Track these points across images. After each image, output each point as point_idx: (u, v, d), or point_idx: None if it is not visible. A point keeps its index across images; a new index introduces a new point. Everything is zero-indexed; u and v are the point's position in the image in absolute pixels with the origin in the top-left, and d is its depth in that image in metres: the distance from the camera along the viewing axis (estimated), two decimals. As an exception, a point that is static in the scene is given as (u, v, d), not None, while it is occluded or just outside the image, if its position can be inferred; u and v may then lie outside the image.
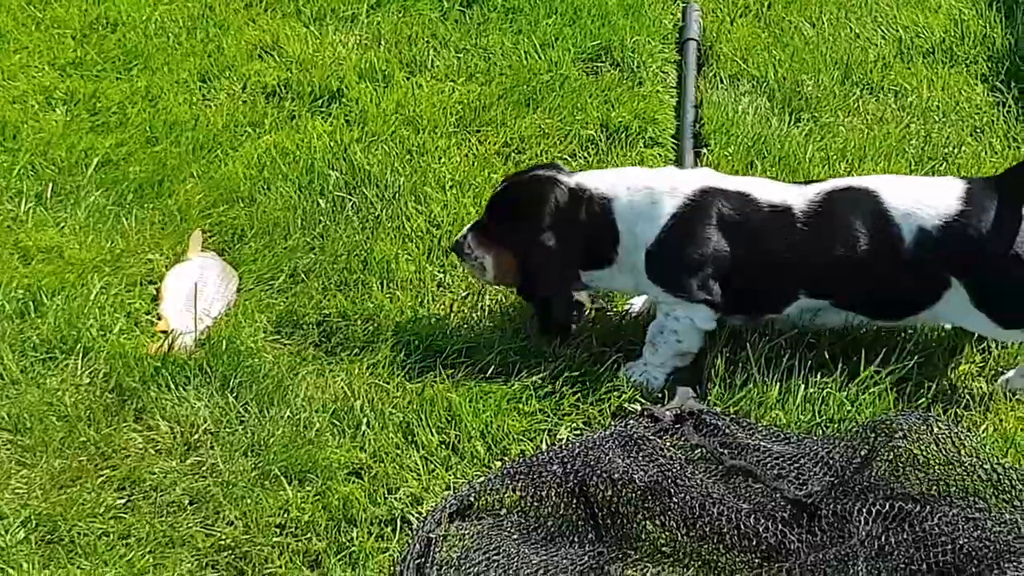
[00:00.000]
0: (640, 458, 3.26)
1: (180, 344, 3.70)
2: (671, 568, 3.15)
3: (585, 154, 4.50)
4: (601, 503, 3.20)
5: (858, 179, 3.70)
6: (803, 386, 3.55)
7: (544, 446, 3.44)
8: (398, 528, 3.24)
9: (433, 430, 3.47)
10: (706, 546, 3.14)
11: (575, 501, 3.21)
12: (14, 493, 3.27)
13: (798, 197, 3.60)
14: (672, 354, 3.65)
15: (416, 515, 3.26)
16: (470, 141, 4.56)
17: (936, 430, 3.22)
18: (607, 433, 3.34)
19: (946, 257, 3.51)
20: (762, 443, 3.33)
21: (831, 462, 3.26)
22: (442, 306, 3.91)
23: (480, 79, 4.83)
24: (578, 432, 3.51)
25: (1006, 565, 2.98)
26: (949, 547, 3.00)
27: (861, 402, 3.54)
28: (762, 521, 3.10)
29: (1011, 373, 3.66)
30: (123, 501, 3.28)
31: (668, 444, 3.31)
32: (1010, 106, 4.74)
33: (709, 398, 3.56)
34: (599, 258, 3.68)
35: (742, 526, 3.10)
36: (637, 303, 3.90)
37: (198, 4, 5.16)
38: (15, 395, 3.52)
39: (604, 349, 3.74)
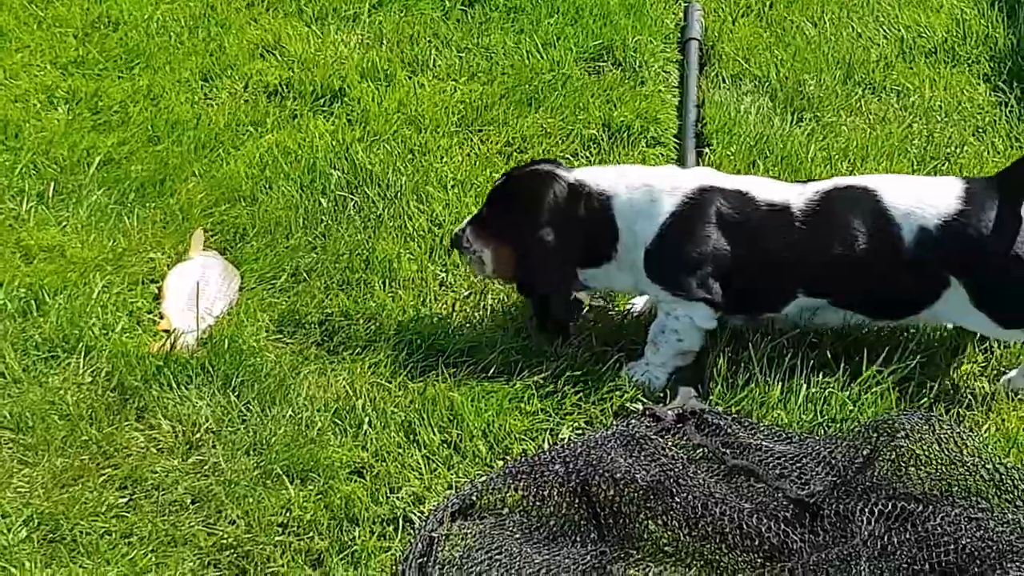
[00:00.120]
0: (642, 458, 3.25)
1: (182, 343, 3.70)
2: (673, 568, 3.15)
3: (587, 154, 4.50)
4: (603, 502, 3.19)
5: (858, 178, 3.70)
6: (805, 386, 3.55)
7: (546, 445, 3.44)
8: (400, 527, 3.24)
9: (435, 429, 3.47)
10: (708, 546, 3.14)
11: (577, 500, 3.20)
12: (16, 492, 3.27)
13: (798, 196, 3.60)
14: (673, 353, 3.65)
15: (418, 514, 3.26)
16: (472, 140, 4.56)
17: (938, 430, 3.22)
18: (609, 432, 3.34)
19: (946, 257, 3.51)
20: (764, 443, 3.33)
21: (833, 462, 3.26)
22: (444, 305, 3.91)
23: (482, 78, 4.83)
24: (580, 431, 3.51)
25: (1009, 565, 2.98)
26: (952, 547, 3.00)
27: (863, 402, 3.54)
28: (764, 521, 3.10)
29: (1013, 373, 3.66)
30: (125, 500, 3.28)
31: (670, 444, 3.31)
32: (1012, 106, 4.74)
33: (711, 397, 3.56)
34: (598, 255, 3.68)
35: (744, 526, 3.10)
36: (639, 303, 3.90)
37: (200, 3, 5.16)
38: (17, 394, 3.52)
39: (606, 348, 3.74)
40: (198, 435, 3.44)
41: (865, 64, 4.94)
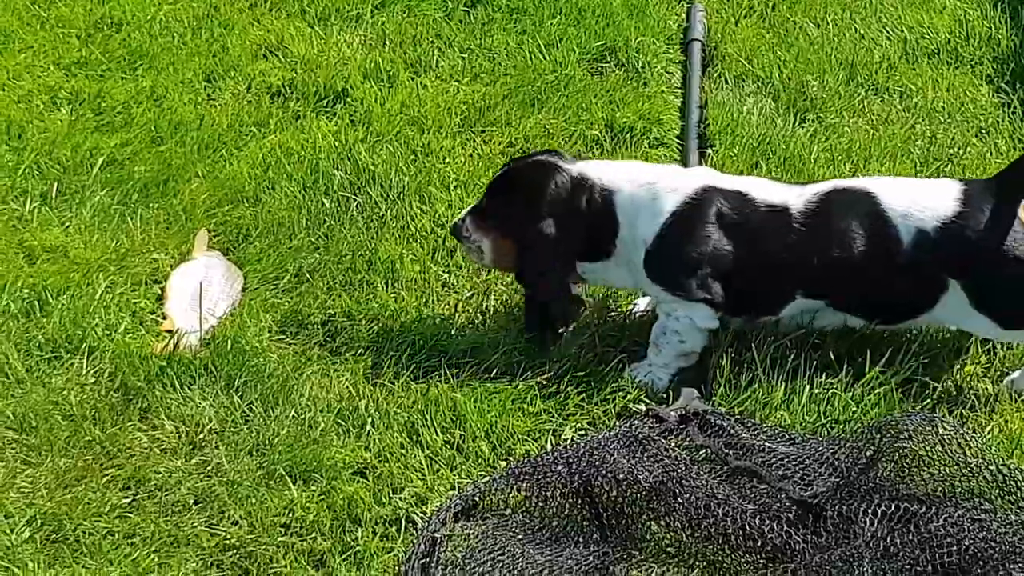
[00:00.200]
0: (645, 458, 3.25)
1: (185, 343, 3.70)
2: (676, 568, 3.15)
3: (590, 154, 4.49)
4: (606, 503, 3.19)
5: (856, 180, 3.69)
6: (808, 387, 3.55)
7: (549, 446, 3.44)
8: (403, 528, 3.24)
9: (438, 430, 3.47)
10: (711, 547, 3.14)
11: (580, 501, 3.20)
12: (19, 492, 3.27)
13: (796, 198, 3.60)
14: (675, 354, 3.65)
15: (421, 515, 3.26)
16: (475, 141, 4.56)
17: (941, 431, 3.22)
18: (612, 433, 3.34)
19: (944, 259, 3.50)
20: (767, 444, 3.32)
21: (836, 463, 3.26)
22: (447, 306, 3.91)
23: (485, 79, 4.83)
24: (583, 432, 3.51)
25: (1012, 566, 2.98)
26: (955, 548, 3.00)
27: (866, 403, 3.54)
28: (767, 522, 3.10)
29: (1016, 374, 3.66)
30: (128, 500, 3.28)
31: (673, 445, 3.31)
32: (1015, 107, 4.74)
33: (714, 398, 3.56)
34: (597, 250, 3.67)
35: (747, 527, 3.10)
36: (641, 304, 3.90)
37: (203, 4, 5.16)
38: (20, 394, 3.52)
39: (609, 349, 3.74)
40: (201, 436, 3.44)
41: (868, 65, 4.94)
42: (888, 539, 3.02)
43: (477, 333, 3.79)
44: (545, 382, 3.61)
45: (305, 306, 3.87)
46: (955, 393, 3.64)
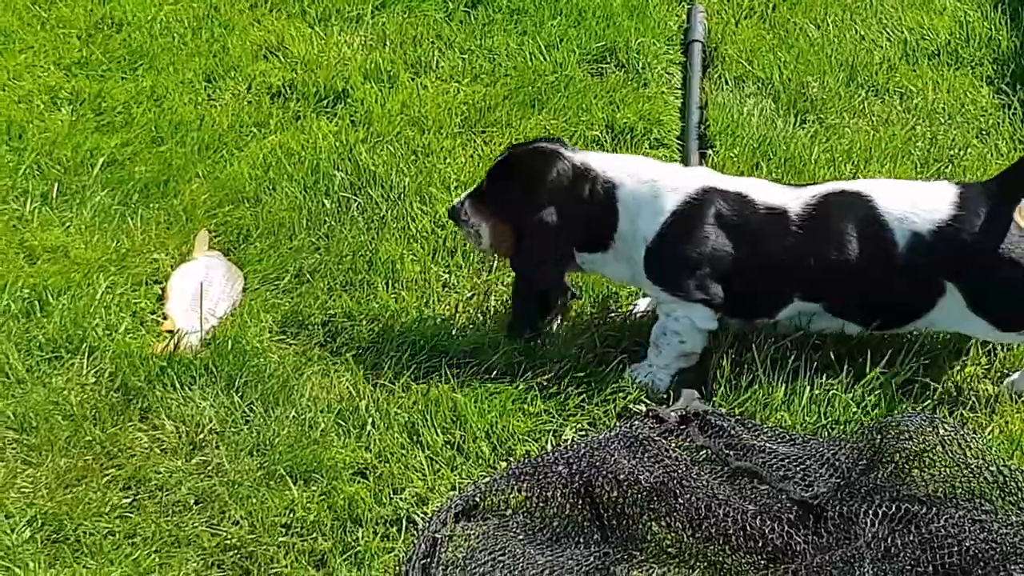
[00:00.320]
0: (645, 459, 3.25)
1: (185, 344, 3.70)
2: (677, 569, 3.15)
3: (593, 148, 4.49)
4: (606, 504, 3.19)
5: (853, 183, 3.68)
6: (809, 387, 3.55)
7: (549, 447, 3.44)
8: (403, 528, 3.24)
9: (438, 430, 3.47)
10: (712, 547, 3.14)
11: (580, 502, 3.20)
12: (20, 492, 3.27)
13: (794, 200, 3.60)
14: (676, 355, 3.65)
15: (421, 515, 3.26)
16: (475, 142, 4.56)
17: (942, 432, 3.22)
18: (612, 434, 3.34)
19: (940, 262, 3.50)
20: (768, 444, 3.32)
21: (837, 463, 3.25)
22: (447, 307, 3.91)
23: (485, 80, 4.83)
24: (583, 433, 3.51)
25: (1012, 567, 2.98)
26: (955, 549, 3.00)
27: (867, 404, 3.54)
28: (768, 522, 3.10)
29: (1016, 375, 3.66)
30: (129, 500, 3.28)
31: (673, 445, 3.31)
32: (1016, 108, 4.74)
33: (714, 399, 3.56)
34: (595, 242, 3.66)
35: (748, 527, 3.10)
36: (641, 304, 3.90)
37: (203, 4, 5.16)
38: (21, 394, 3.52)
39: (609, 350, 3.74)
40: (202, 436, 3.44)
41: (868, 66, 4.94)
42: (889, 540, 3.02)
43: (478, 333, 3.79)
44: (546, 383, 3.61)
45: (306, 306, 3.87)
46: (956, 394, 3.64)
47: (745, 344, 3.66)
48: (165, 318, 3.81)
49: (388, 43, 5.01)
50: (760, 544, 3.09)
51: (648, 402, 3.58)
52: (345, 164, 4.39)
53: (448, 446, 3.45)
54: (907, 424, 3.22)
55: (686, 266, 3.57)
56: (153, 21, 5.06)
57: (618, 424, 3.48)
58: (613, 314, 3.90)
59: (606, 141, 4.56)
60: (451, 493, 3.32)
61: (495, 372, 3.64)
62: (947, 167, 4.44)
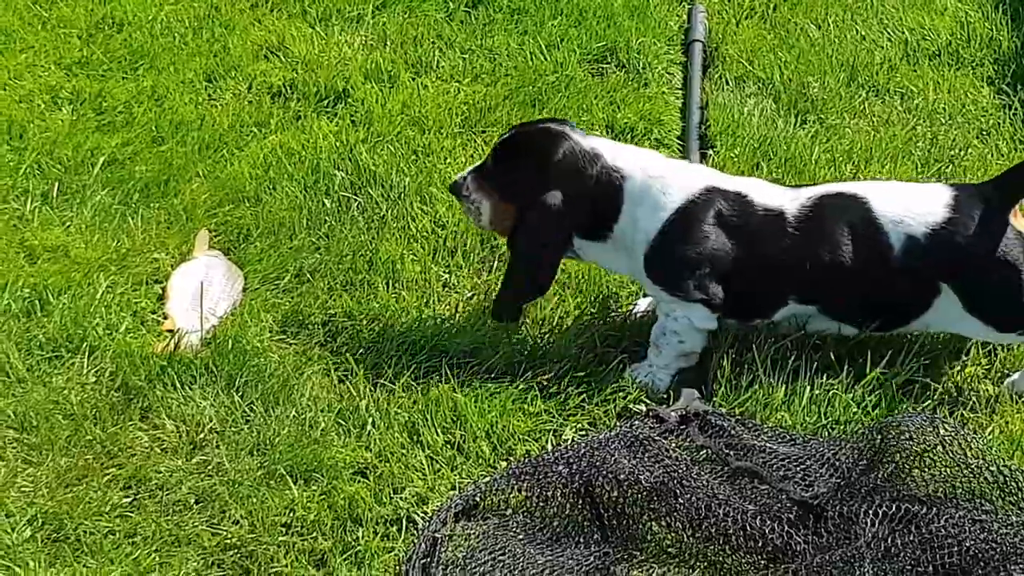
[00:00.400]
0: (646, 459, 3.25)
1: (186, 343, 3.71)
2: (677, 569, 3.15)
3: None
4: (607, 504, 3.19)
5: (848, 185, 3.68)
6: (809, 387, 3.55)
7: (549, 446, 3.44)
8: (404, 528, 3.24)
9: (438, 430, 3.47)
10: (712, 547, 3.14)
11: (580, 501, 3.20)
12: (20, 491, 3.27)
13: (791, 201, 3.59)
14: (676, 355, 3.65)
15: (422, 515, 3.26)
16: (476, 142, 4.56)
17: (942, 432, 3.22)
18: (612, 434, 3.34)
19: (935, 264, 3.50)
20: (768, 444, 3.32)
21: (837, 463, 3.25)
22: (447, 306, 3.91)
23: (485, 80, 4.83)
24: (583, 433, 3.51)
25: (1012, 567, 2.98)
26: (955, 549, 3.00)
27: (867, 404, 3.54)
28: (768, 522, 3.10)
29: (1017, 376, 3.66)
30: (129, 500, 3.28)
31: (674, 445, 3.31)
32: (1016, 109, 4.74)
33: (715, 399, 3.56)
34: (596, 229, 3.63)
35: (748, 527, 3.10)
36: (641, 304, 3.90)
37: (204, 4, 5.16)
38: (21, 393, 3.52)
39: (609, 350, 3.74)
40: (202, 435, 3.44)
41: (869, 67, 4.94)
42: (889, 540, 3.02)
43: (478, 333, 3.79)
44: (546, 382, 3.61)
45: (306, 306, 3.87)
46: (956, 394, 3.64)
47: (745, 344, 3.66)
48: (165, 317, 3.81)
49: (389, 43, 5.01)
50: (760, 544, 3.09)
51: (648, 402, 3.58)
52: (345, 164, 4.39)
53: (448, 446, 3.45)
54: (907, 424, 3.22)
55: (686, 266, 3.57)
56: (154, 21, 5.06)
57: (618, 424, 3.48)
58: (613, 314, 3.90)
59: (607, 141, 4.56)
60: (451, 493, 3.32)
61: (495, 372, 3.64)
62: (948, 167, 4.44)
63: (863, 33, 5.14)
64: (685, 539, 3.16)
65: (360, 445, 3.43)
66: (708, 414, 3.41)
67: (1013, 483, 3.16)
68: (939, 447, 3.21)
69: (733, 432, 3.35)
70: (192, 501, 3.28)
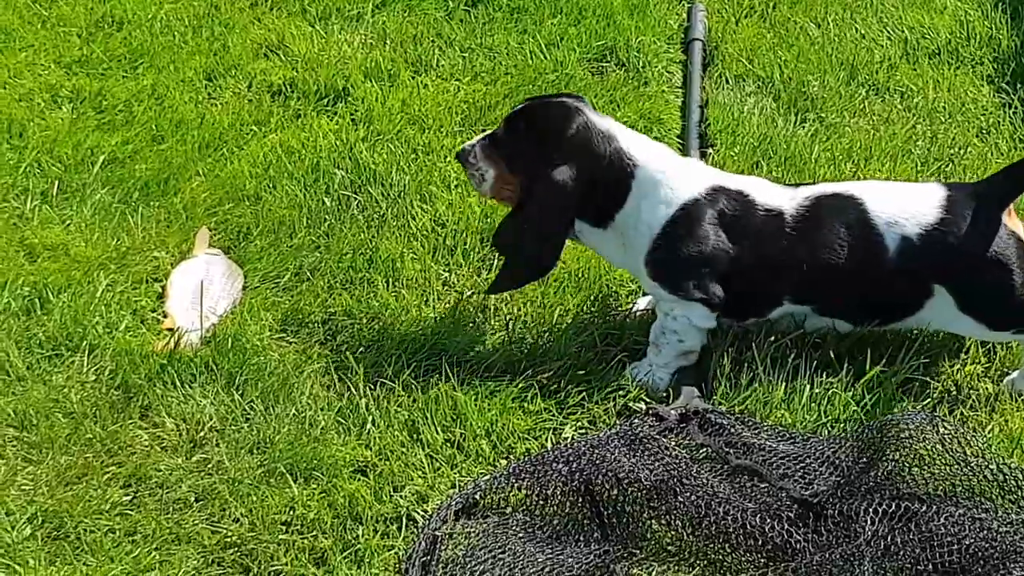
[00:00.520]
0: (645, 457, 3.25)
1: (186, 342, 3.71)
2: (676, 567, 3.15)
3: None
4: (606, 502, 3.19)
5: (844, 185, 3.67)
6: (809, 386, 3.55)
7: (549, 445, 3.44)
8: (404, 526, 3.24)
9: (438, 428, 3.47)
10: (712, 545, 3.14)
11: (580, 500, 3.20)
12: (20, 490, 3.27)
13: (789, 201, 3.59)
14: (675, 354, 3.65)
15: (422, 513, 3.27)
16: (476, 140, 4.56)
17: (942, 430, 3.22)
18: (612, 432, 3.34)
19: (929, 264, 3.50)
20: (768, 442, 3.33)
21: (837, 462, 3.26)
22: (447, 305, 3.91)
23: (485, 78, 4.83)
24: (583, 431, 3.51)
25: (1012, 566, 2.98)
26: (955, 547, 3.00)
27: (867, 402, 3.54)
28: (768, 521, 3.10)
29: (1016, 374, 3.66)
30: (129, 498, 3.28)
31: (673, 443, 3.31)
32: (1016, 107, 4.74)
33: (714, 397, 3.56)
34: (599, 213, 3.60)
35: (748, 525, 3.10)
36: (641, 303, 3.90)
37: (204, 3, 5.16)
38: (21, 392, 3.52)
39: (609, 348, 3.74)
40: (202, 433, 3.44)
41: (869, 65, 4.94)
42: (889, 538, 3.02)
43: (477, 332, 3.79)
44: (545, 381, 3.61)
45: (306, 304, 3.87)
46: (955, 393, 3.64)
47: (745, 342, 3.66)
48: (165, 316, 3.81)
49: (388, 41, 5.01)
50: (760, 542, 3.09)
51: (648, 400, 3.59)
52: (345, 162, 4.39)
53: (448, 444, 3.45)
54: (907, 422, 3.22)
55: (689, 265, 3.56)
56: (153, 20, 5.06)
57: (618, 422, 3.48)
58: (613, 312, 3.90)
59: (606, 140, 4.55)
60: (451, 491, 3.32)
61: (495, 370, 3.64)
62: (947, 166, 4.44)
63: (863, 32, 5.14)
64: (685, 537, 3.16)
65: (360, 443, 3.44)
66: (708, 412, 3.41)
67: (1013, 481, 3.16)
68: (939, 445, 3.21)
69: (733, 430, 3.35)
70: (192, 499, 3.28)
